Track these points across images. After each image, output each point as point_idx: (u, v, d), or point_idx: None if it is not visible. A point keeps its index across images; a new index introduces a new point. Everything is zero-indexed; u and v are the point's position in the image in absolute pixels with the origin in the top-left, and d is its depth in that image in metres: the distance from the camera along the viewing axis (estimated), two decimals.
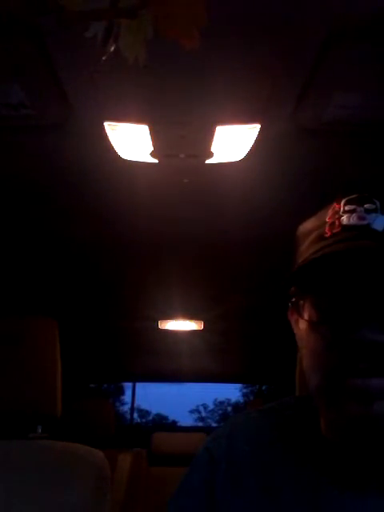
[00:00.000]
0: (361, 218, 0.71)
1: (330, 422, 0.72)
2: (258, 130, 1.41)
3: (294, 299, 0.76)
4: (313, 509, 0.71)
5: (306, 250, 0.76)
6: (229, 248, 2.27)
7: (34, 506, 1.30)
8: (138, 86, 1.25)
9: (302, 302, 0.74)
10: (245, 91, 1.28)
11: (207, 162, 1.56)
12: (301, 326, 0.76)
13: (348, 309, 0.68)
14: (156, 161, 1.55)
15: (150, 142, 1.46)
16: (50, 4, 0.63)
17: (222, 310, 3.08)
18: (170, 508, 0.82)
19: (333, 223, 0.73)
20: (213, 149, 1.50)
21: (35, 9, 0.65)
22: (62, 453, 1.42)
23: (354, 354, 0.66)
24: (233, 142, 1.48)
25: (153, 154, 1.52)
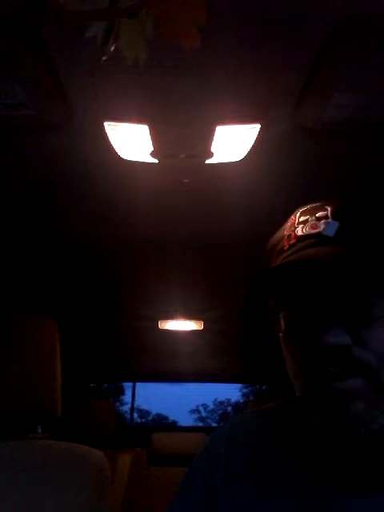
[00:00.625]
0: (313, 226, 0.74)
1: (318, 423, 0.73)
2: (258, 130, 1.41)
3: (269, 313, 0.78)
4: (309, 509, 0.71)
5: (270, 264, 0.79)
6: (229, 248, 2.27)
7: (34, 505, 1.30)
8: (137, 86, 1.25)
9: (278, 314, 0.77)
10: (245, 91, 1.28)
11: (207, 161, 1.56)
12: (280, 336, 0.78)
13: (309, 317, 0.71)
14: (156, 161, 1.55)
15: (150, 142, 1.46)
16: (50, 4, 0.63)
17: (222, 310, 3.08)
18: (171, 508, 0.82)
19: (289, 235, 0.76)
20: (213, 149, 1.50)
21: (35, 8, 0.65)
22: (62, 453, 1.42)
23: (321, 360, 0.68)
24: (233, 142, 1.48)
25: (153, 154, 1.52)
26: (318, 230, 0.73)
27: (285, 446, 0.78)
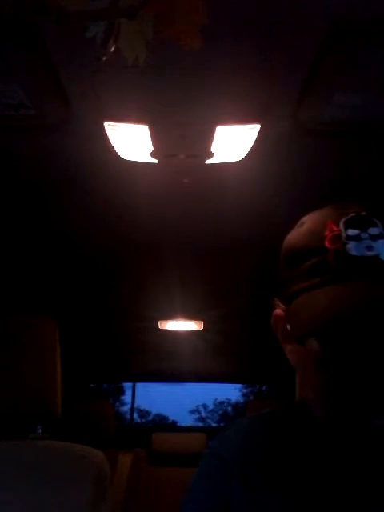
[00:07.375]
0: (369, 248, 0.67)
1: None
2: (258, 129, 1.42)
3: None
4: (324, 507, 0.72)
5: (304, 274, 0.71)
6: (229, 248, 2.27)
7: (34, 506, 1.30)
8: (137, 86, 1.25)
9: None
10: (245, 91, 1.28)
11: (207, 162, 1.56)
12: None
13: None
14: (156, 161, 1.55)
15: (150, 142, 1.46)
16: (49, 4, 0.63)
17: (222, 310, 3.08)
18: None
19: (337, 251, 0.68)
20: (213, 149, 1.50)
21: (35, 9, 0.65)
22: (61, 453, 1.42)
23: None
24: (233, 142, 1.48)
25: (153, 154, 1.52)
26: (374, 253, 0.67)
27: (295, 447, 0.78)
